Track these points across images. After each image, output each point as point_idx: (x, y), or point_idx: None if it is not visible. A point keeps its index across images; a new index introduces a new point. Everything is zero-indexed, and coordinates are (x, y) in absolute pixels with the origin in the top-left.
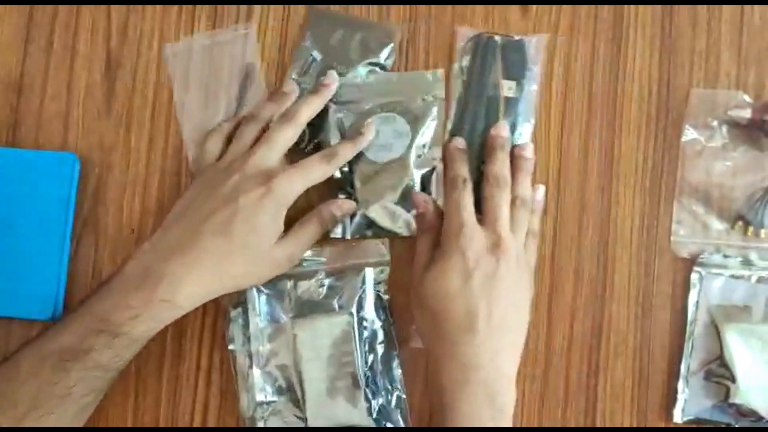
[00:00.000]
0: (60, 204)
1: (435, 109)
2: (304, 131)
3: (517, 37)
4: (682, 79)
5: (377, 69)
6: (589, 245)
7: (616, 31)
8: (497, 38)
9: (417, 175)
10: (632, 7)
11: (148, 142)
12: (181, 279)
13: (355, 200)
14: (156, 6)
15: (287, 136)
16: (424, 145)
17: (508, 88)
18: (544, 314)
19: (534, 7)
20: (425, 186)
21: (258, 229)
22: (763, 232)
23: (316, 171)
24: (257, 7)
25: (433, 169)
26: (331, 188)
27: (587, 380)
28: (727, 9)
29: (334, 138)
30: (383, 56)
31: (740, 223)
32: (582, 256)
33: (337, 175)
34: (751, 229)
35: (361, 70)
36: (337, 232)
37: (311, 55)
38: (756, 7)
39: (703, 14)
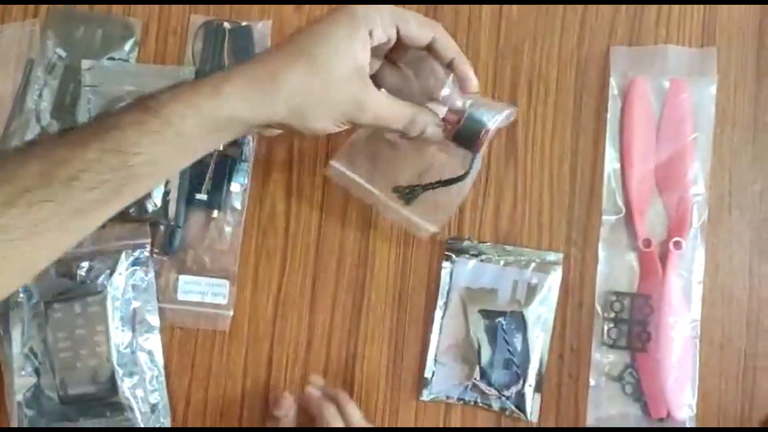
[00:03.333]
0: None
1: None
2: None
3: (244, 24)
4: None
5: (121, 62)
6: (351, 234)
7: None
8: (226, 24)
9: None
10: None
11: None
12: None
13: None
14: None
15: None
16: None
17: None
18: (308, 300)
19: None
20: None
21: (330, 41)
22: None
23: None
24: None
25: None
26: None
27: (346, 363)
28: (486, 8)
29: (82, 118)
30: (126, 49)
31: None
32: (344, 245)
33: None
34: None
35: (106, 63)
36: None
37: (55, 52)
38: (514, 6)
39: (464, 12)
